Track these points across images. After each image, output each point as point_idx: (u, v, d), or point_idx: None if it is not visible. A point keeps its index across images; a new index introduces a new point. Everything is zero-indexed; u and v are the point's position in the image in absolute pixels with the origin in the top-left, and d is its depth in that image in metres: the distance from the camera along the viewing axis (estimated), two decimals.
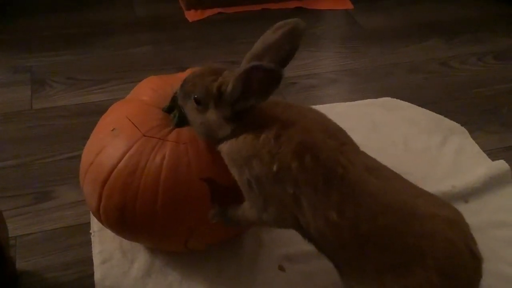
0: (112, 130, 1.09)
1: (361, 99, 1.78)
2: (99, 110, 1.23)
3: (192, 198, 1.04)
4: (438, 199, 0.96)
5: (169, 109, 1.11)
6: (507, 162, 1.47)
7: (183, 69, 1.26)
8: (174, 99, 1.09)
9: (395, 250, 0.89)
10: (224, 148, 0.96)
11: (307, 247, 0.99)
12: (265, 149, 0.90)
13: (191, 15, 2.28)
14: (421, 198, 0.93)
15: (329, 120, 0.98)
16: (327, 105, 1.74)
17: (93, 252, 1.24)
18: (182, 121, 1.08)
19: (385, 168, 0.96)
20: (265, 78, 0.86)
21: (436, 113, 1.70)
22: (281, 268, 1.22)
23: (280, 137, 0.90)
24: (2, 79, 1.84)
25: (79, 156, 1.16)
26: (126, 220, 1.06)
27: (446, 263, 0.87)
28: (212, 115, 0.96)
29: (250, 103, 0.90)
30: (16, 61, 1.93)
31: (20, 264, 1.22)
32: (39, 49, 2.01)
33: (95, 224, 1.28)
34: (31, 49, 2.01)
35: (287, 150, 0.89)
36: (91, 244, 1.26)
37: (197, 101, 0.97)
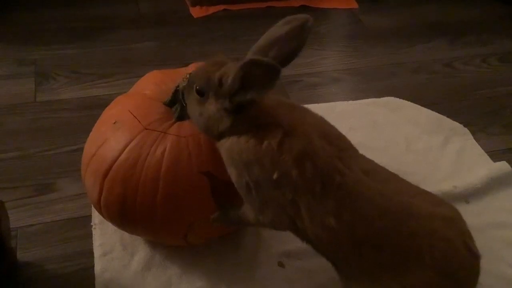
0: (114, 123, 1.09)
1: (363, 98, 1.78)
2: (103, 104, 1.23)
3: (192, 192, 1.04)
4: (435, 198, 0.97)
5: (170, 103, 1.11)
6: (508, 163, 1.48)
7: (186, 65, 1.27)
8: (175, 93, 1.09)
9: (392, 250, 0.89)
10: (225, 145, 0.94)
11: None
12: (268, 157, 0.89)
13: (196, 12, 2.28)
14: (417, 197, 0.93)
15: (329, 125, 0.98)
16: (330, 104, 1.74)
17: (93, 245, 1.24)
18: (184, 115, 1.08)
19: (382, 170, 0.96)
20: (263, 73, 0.84)
21: (438, 113, 1.70)
22: (281, 265, 1.22)
23: (282, 145, 0.89)
24: (7, 72, 1.85)
25: (82, 149, 1.16)
26: (127, 212, 1.06)
27: (443, 261, 0.87)
28: (211, 106, 0.94)
29: (248, 96, 0.87)
30: (21, 54, 1.94)
31: (21, 255, 1.22)
32: (44, 42, 2.01)
33: (96, 217, 1.29)
34: (35, 42, 2.01)
35: (288, 158, 0.88)
36: (91, 236, 1.26)
37: (198, 92, 0.96)
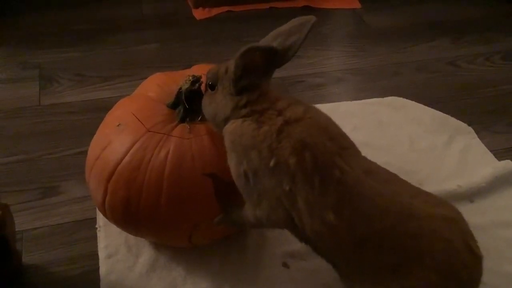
0: (118, 125, 1.10)
1: (367, 98, 1.78)
2: (107, 107, 1.24)
3: (196, 193, 1.04)
4: (436, 198, 0.96)
5: (173, 105, 1.12)
6: None
7: (190, 66, 1.27)
8: (178, 95, 1.10)
9: (393, 251, 0.89)
10: (229, 128, 0.96)
11: None
12: (265, 143, 0.90)
13: (199, 13, 2.28)
14: (418, 198, 0.92)
15: (333, 123, 0.98)
16: (333, 104, 1.74)
17: (98, 247, 1.25)
18: (187, 117, 1.09)
19: (383, 170, 0.96)
20: (262, 58, 0.92)
21: (442, 112, 1.70)
22: (285, 265, 1.22)
23: (281, 132, 0.90)
24: (11, 75, 1.86)
25: (86, 152, 1.16)
26: (131, 214, 1.06)
27: (444, 262, 0.87)
28: (219, 94, 0.99)
29: (251, 80, 0.94)
30: (25, 57, 1.95)
31: (26, 258, 1.23)
32: (48, 45, 2.02)
33: (100, 219, 1.29)
34: (39, 45, 2.02)
35: (287, 146, 0.89)
36: (96, 239, 1.27)
37: (210, 86, 1.01)
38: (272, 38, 0.98)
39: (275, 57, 0.94)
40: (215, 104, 1.00)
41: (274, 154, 0.90)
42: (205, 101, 1.04)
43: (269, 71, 0.95)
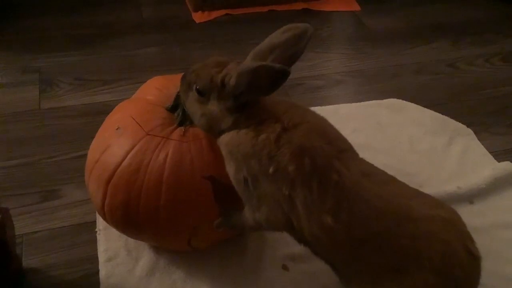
0: (117, 129, 1.10)
1: (367, 100, 1.78)
2: (106, 110, 1.24)
3: (195, 196, 1.04)
4: (434, 200, 0.96)
5: (172, 108, 1.12)
6: None
7: None
8: (177, 98, 1.10)
9: (390, 253, 0.89)
10: (225, 139, 0.96)
11: None
12: (265, 150, 0.91)
13: (198, 17, 2.29)
14: (415, 200, 0.93)
15: (330, 126, 0.99)
16: (333, 106, 1.74)
17: (98, 250, 1.25)
18: (186, 120, 1.09)
19: (381, 172, 0.97)
20: (271, 77, 0.87)
21: (442, 114, 1.70)
22: (285, 268, 1.22)
23: (280, 139, 0.90)
24: (11, 79, 1.86)
25: (86, 156, 1.16)
26: (130, 218, 1.07)
27: (442, 263, 0.87)
28: (213, 106, 0.96)
29: (253, 96, 0.92)
30: (25, 62, 1.95)
31: (26, 262, 1.23)
32: (48, 49, 2.03)
33: (100, 223, 1.29)
34: (39, 49, 2.02)
35: (286, 152, 0.89)
36: (96, 242, 1.27)
37: (199, 92, 0.97)
38: (267, 49, 0.95)
39: (283, 76, 0.87)
40: (209, 116, 0.97)
41: (273, 161, 0.90)
42: (195, 110, 1.00)
43: (272, 89, 0.89)
